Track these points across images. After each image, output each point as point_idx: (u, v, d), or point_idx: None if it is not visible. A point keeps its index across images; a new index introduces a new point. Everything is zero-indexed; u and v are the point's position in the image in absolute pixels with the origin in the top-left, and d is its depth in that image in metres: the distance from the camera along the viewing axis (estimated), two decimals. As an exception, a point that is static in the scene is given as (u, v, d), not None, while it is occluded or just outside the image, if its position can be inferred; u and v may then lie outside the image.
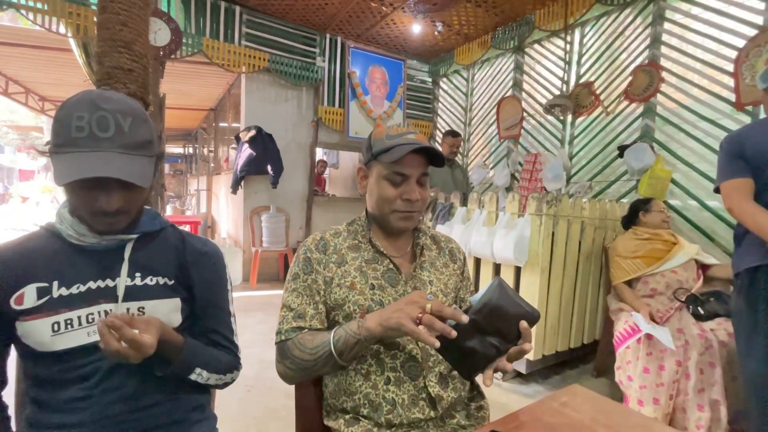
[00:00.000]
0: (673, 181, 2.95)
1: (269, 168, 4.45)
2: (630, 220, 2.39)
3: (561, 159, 3.56)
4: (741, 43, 2.61)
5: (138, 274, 0.78)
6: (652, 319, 1.94)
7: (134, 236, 0.79)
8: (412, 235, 0.98)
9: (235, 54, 4.15)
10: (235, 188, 4.58)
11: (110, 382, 0.73)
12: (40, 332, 0.70)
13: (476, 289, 1.09)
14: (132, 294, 0.76)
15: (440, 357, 0.83)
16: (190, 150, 11.63)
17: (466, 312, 0.68)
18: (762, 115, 2.47)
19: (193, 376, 0.79)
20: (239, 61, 4.18)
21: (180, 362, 0.76)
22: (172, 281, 0.81)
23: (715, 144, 2.69)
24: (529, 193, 2.38)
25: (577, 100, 3.59)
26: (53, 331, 0.70)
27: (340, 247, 0.91)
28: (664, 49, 3.13)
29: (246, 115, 4.53)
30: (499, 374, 0.71)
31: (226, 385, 0.87)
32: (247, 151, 4.37)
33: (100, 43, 1.61)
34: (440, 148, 3.77)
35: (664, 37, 3.12)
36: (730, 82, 2.65)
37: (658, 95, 3.08)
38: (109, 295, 0.75)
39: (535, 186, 3.76)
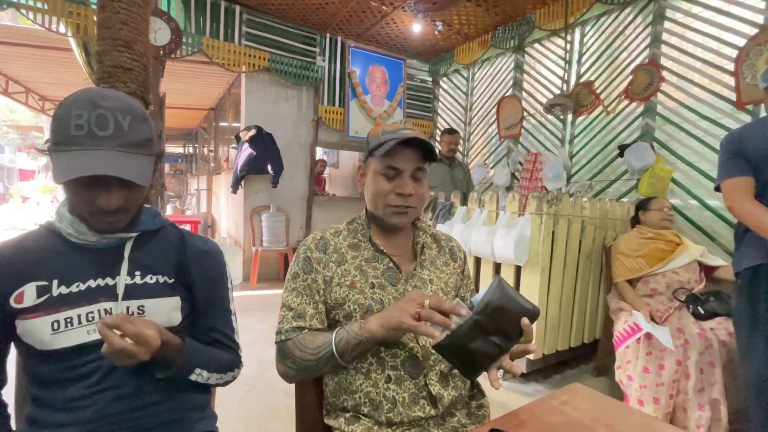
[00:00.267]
0: (674, 181, 2.95)
1: (269, 167, 4.45)
2: (634, 218, 2.42)
3: (561, 158, 3.56)
4: (741, 42, 2.61)
5: (138, 273, 0.78)
6: (652, 318, 1.94)
7: (134, 235, 0.79)
8: (412, 233, 0.98)
9: (235, 53, 4.15)
10: (235, 188, 4.58)
11: (110, 380, 0.73)
12: (40, 331, 0.70)
13: (476, 288, 1.09)
14: (132, 292, 0.76)
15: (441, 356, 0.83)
16: (190, 149, 11.65)
17: None
18: (763, 114, 2.47)
19: (193, 377, 0.79)
20: (239, 60, 4.17)
21: (180, 364, 0.76)
22: (172, 280, 0.81)
23: (716, 143, 2.69)
24: (529, 193, 2.38)
25: (577, 100, 3.58)
26: (53, 329, 0.70)
27: (340, 246, 0.91)
28: (664, 48, 3.13)
29: (246, 114, 4.53)
30: (500, 372, 0.71)
31: (227, 383, 0.87)
32: (247, 150, 4.37)
33: (100, 42, 1.60)
34: (440, 147, 3.77)
35: (665, 36, 3.12)
36: (731, 81, 2.65)
37: (659, 94, 3.08)
38: (109, 293, 0.75)
39: (536, 185, 3.76)
